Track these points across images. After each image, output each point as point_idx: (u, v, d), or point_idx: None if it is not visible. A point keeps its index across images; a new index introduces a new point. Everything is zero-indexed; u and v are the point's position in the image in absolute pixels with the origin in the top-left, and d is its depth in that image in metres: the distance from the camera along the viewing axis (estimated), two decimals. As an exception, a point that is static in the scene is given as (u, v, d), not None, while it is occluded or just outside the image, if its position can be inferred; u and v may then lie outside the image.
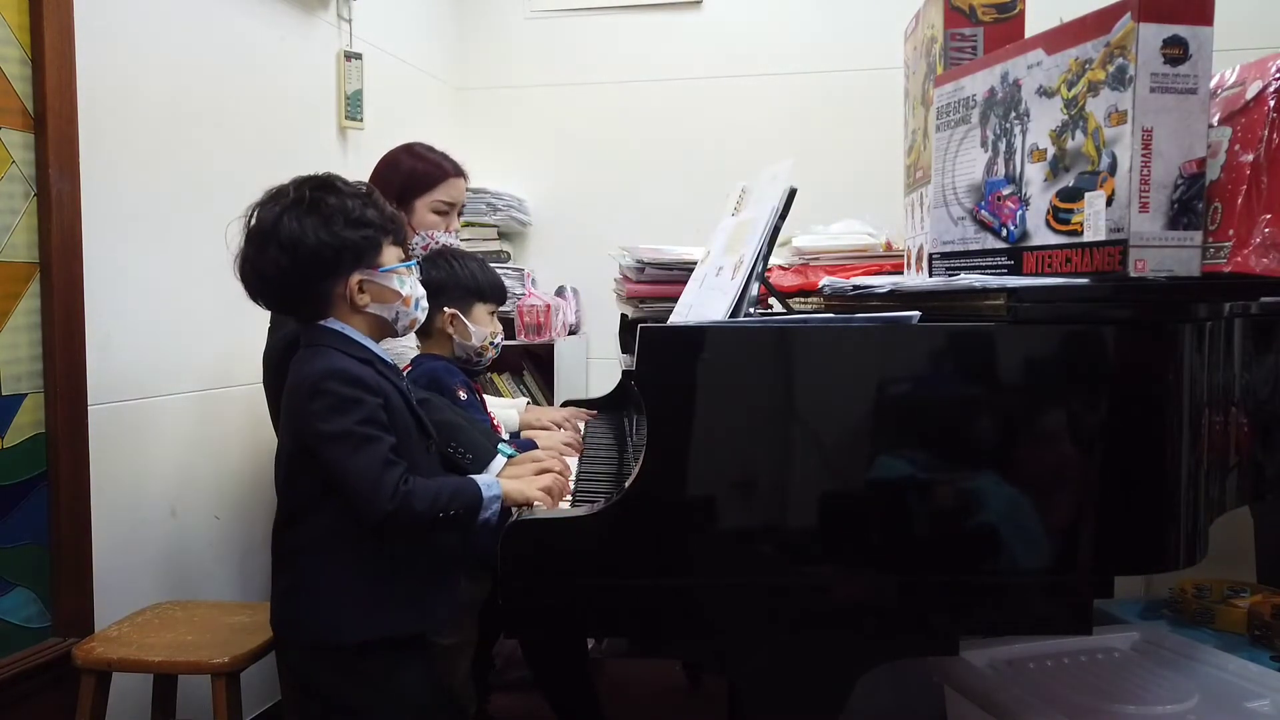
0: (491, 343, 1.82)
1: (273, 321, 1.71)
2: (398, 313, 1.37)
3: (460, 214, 2.09)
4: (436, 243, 1.97)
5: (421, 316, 1.43)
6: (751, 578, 1.16)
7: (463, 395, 1.72)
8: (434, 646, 1.56)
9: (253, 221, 1.31)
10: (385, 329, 1.39)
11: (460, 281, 1.78)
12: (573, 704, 2.08)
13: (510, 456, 1.60)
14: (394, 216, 1.38)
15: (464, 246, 2.88)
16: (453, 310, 1.76)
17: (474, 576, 1.74)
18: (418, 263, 1.46)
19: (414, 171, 1.97)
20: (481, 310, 1.80)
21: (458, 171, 2.03)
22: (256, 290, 1.33)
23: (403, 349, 1.81)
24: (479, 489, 1.30)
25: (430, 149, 2.02)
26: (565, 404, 2.41)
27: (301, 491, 1.31)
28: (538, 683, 2.12)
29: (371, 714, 1.33)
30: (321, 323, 1.34)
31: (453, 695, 1.73)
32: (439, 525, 1.28)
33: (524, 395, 3.00)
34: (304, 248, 1.28)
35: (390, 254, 1.36)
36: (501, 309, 2.86)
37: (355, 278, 1.32)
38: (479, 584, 1.78)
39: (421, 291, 1.42)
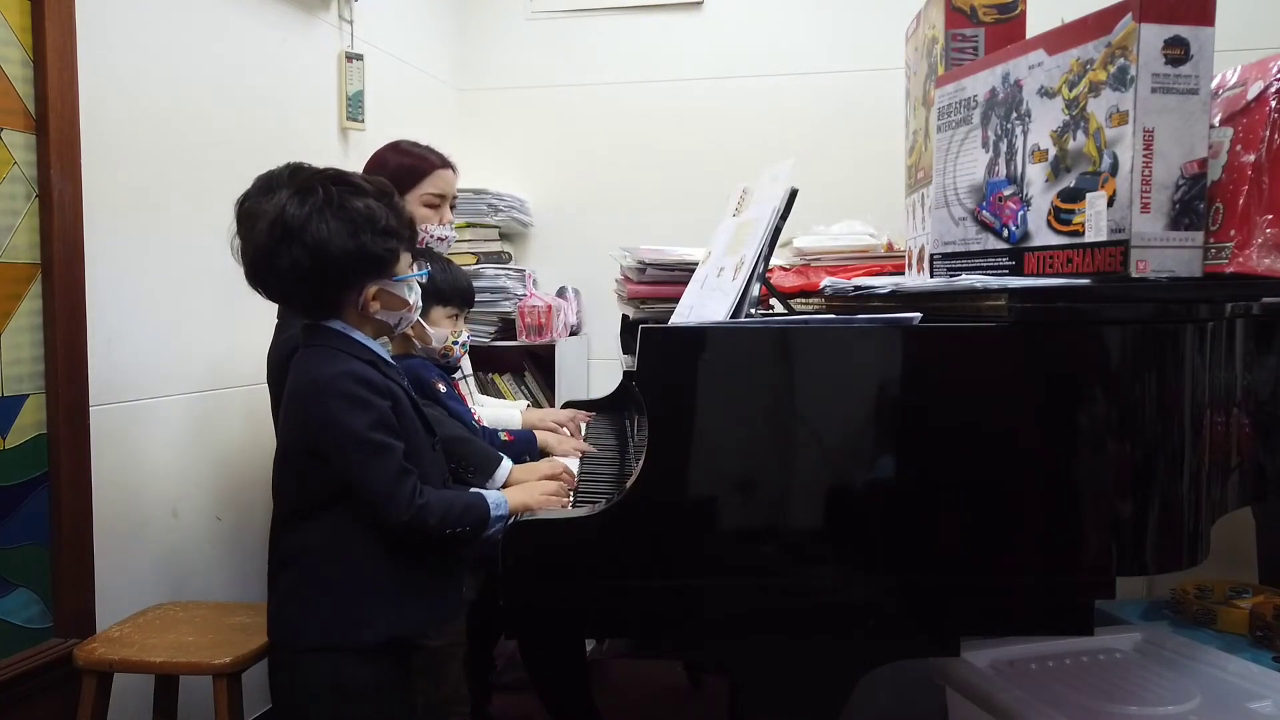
0: (455, 341, 1.80)
1: (280, 320, 1.70)
2: (401, 318, 1.38)
3: (453, 207, 2.09)
4: (431, 236, 1.97)
5: (416, 315, 1.43)
6: (752, 578, 1.16)
7: (441, 387, 1.73)
8: (425, 649, 1.56)
9: (270, 209, 1.26)
10: (385, 331, 1.39)
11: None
12: (569, 707, 2.08)
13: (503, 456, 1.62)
14: (410, 221, 1.37)
15: (461, 243, 2.91)
16: None
17: (472, 574, 1.74)
18: (427, 274, 1.44)
19: (400, 167, 1.97)
20: (440, 313, 1.78)
21: (444, 163, 2.02)
22: (263, 281, 1.30)
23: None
24: (488, 509, 1.31)
25: (415, 144, 2.03)
26: (565, 405, 2.41)
27: (310, 491, 1.30)
28: (533, 685, 2.12)
29: (382, 713, 1.32)
30: (324, 323, 1.33)
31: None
32: (447, 539, 1.30)
33: (525, 396, 3.00)
34: (328, 254, 1.25)
35: (405, 261, 1.35)
36: (503, 311, 2.91)
37: (372, 288, 1.31)
38: (473, 584, 1.78)
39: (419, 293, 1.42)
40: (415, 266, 1.40)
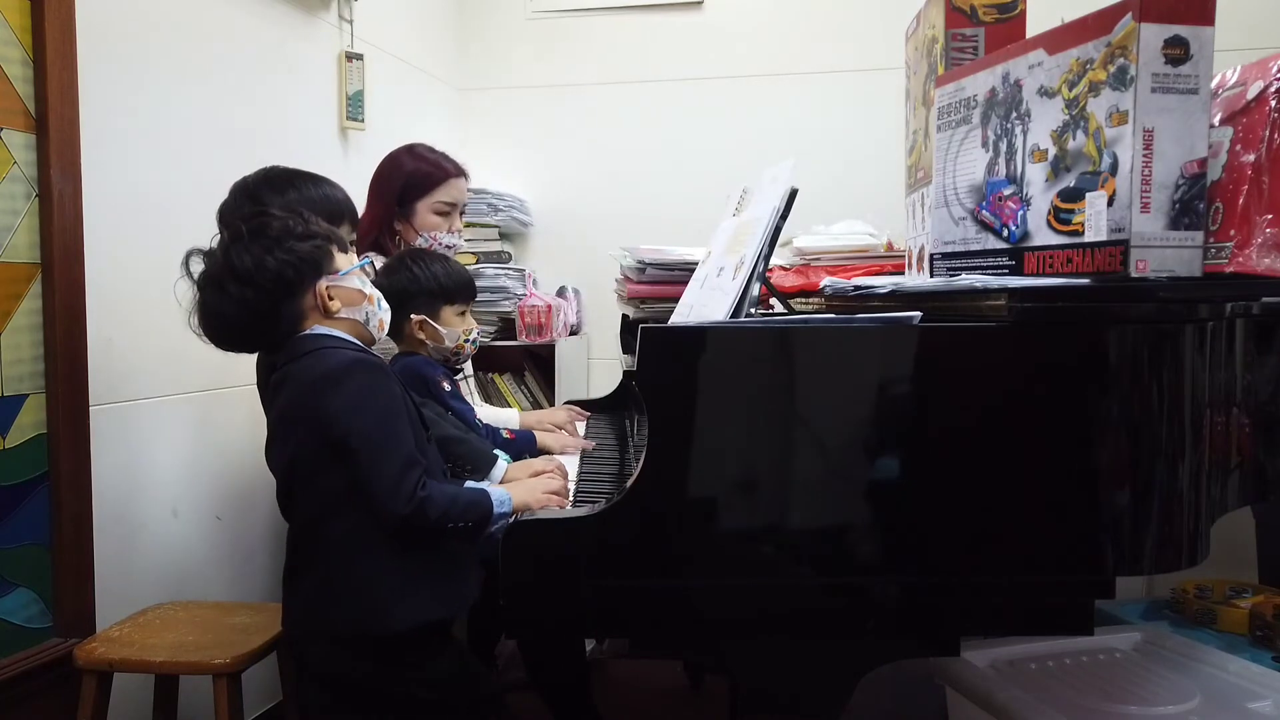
0: (467, 340, 1.79)
1: None
2: (368, 313, 1.39)
3: (462, 214, 2.09)
4: (440, 244, 1.97)
5: (387, 316, 1.44)
6: (752, 579, 1.15)
7: (446, 385, 1.73)
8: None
9: (198, 272, 1.32)
10: (360, 332, 1.39)
11: (423, 286, 1.74)
12: (569, 707, 2.08)
13: (498, 455, 1.63)
14: (329, 230, 1.40)
15: (466, 246, 2.92)
16: (420, 316, 1.74)
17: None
18: (369, 262, 1.46)
19: (415, 173, 1.97)
20: (449, 312, 1.77)
21: (458, 171, 2.02)
22: (223, 336, 1.34)
23: (385, 348, 1.82)
24: (492, 505, 1.32)
25: (431, 149, 2.03)
26: (566, 404, 2.41)
27: (325, 492, 1.31)
28: (533, 685, 2.12)
29: (408, 700, 1.34)
30: (309, 331, 1.34)
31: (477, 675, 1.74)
32: (449, 534, 1.30)
33: (525, 396, 3.00)
34: (264, 274, 1.29)
35: (342, 259, 1.38)
36: (503, 310, 2.91)
37: (322, 285, 1.34)
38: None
39: (377, 290, 1.44)
40: (354, 258, 1.42)
